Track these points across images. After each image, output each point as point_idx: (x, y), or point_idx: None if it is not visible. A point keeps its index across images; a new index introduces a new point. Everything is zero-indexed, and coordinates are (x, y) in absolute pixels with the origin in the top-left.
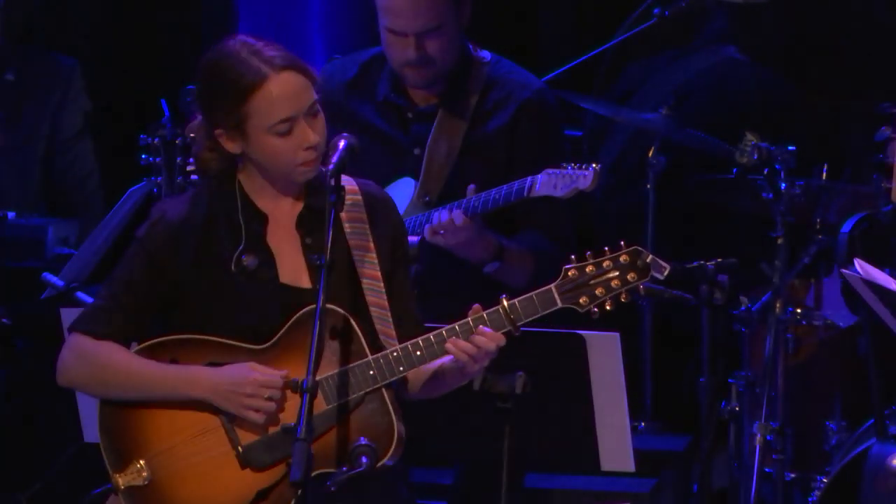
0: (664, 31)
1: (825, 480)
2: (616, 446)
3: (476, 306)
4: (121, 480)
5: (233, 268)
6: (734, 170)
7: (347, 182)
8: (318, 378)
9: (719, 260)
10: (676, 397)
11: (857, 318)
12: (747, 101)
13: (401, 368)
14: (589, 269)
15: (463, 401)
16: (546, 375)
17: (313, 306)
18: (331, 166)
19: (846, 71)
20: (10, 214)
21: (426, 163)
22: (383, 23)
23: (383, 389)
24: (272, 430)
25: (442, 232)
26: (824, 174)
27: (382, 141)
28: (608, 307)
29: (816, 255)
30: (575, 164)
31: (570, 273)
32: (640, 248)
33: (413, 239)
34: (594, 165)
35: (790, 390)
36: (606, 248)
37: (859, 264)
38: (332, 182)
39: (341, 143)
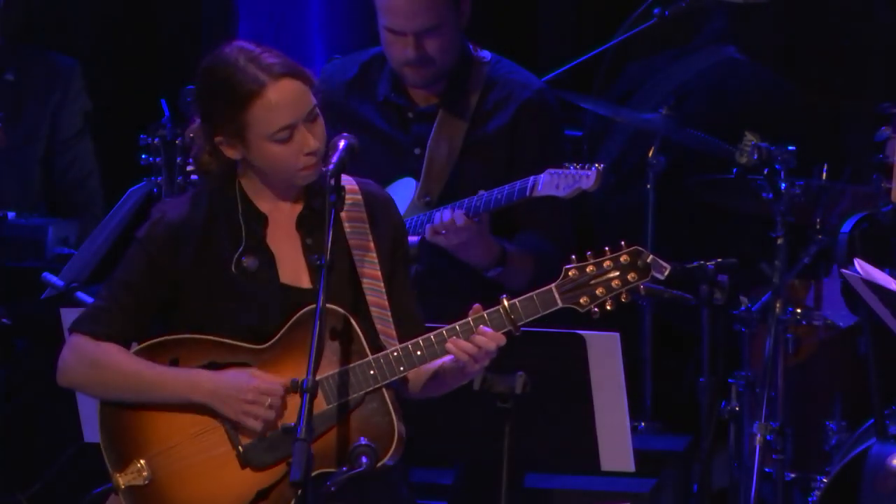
0: (664, 31)
1: (825, 480)
2: (616, 446)
3: (476, 306)
4: (121, 480)
5: (233, 269)
6: (734, 170)
7: (348, 182)
8: (318, 378)
9: (719, 260)
10: (676, 397)
11: (857, 318)
12: (747, 101)
13: (401, 368)
14: (589, 269)
15: (463, 401)
16: (546, 375)
17: (313, 306)
18: (331, 166)
19: (846, 71)
20: (10, 214)
21: (427, 163)
22: (382, 22)
23: (384, 389)
24: (272, 430)
25: (444, 232)
26: (824, 174)
27: (383, 141)
28: (609, 307)
29: (816, 255)
30: (577, 164)
31: (570, 273)
32: (640, 249)
33: (413, 239)
34: (597, 165)
35: (790, 390)
36: (607, 248)
37: (859, 264)
38: (332, 182)
39: (341, 144)
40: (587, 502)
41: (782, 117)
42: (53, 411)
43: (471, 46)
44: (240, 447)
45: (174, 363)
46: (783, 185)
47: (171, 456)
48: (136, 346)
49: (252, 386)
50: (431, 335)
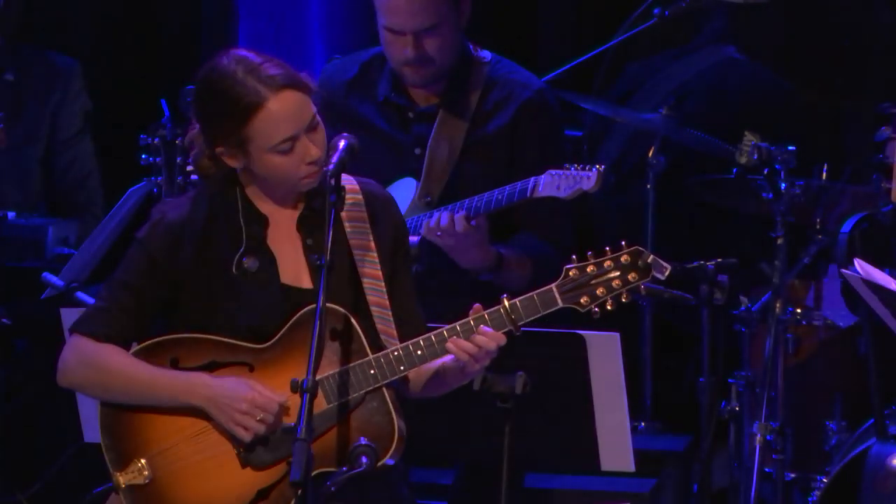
0: (664, 31)
1: (825, 480)
2: (616, 446)
3: (477, 306)
4: (122, 479)
5: (234, 270)
6: (734, 170)
7: (348, 181)
8: (318, 377)
9: (719, 260)
10: (676, 397)
11: (857, 318)
12: (747, 101)
13: (401, 368)
14: (590, 268)
15: (463, 401)
16: (546, 375)
17: (313, 306)
18: (331, 166)
19: (846, 71)
20: (10, 214)
21: (427, 163)
22: (382, 22)
23: (384, 389)
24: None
25: (439, 233)
26: (824, 174)
27: (383, 141)
28: (609, 307)
29: (816, 255)
30: (578, 165)
31: (571, 273)
32: (641, 249)
33: (413, 239)
34: (598, 166)
35: (790, 390)
36: (608, 248)
37: (859, 264)
38: (332, 182)
39: (341, 143)
40: (587, 502)
41: (782, 117)
42: (53, 411)
43: (471, 46)
44: (240, 447)
45: (174, 363)
46: (783, 185)
47: (171, 455)
48: (136, 346)
49: (248, 397)
50: (432, 335)
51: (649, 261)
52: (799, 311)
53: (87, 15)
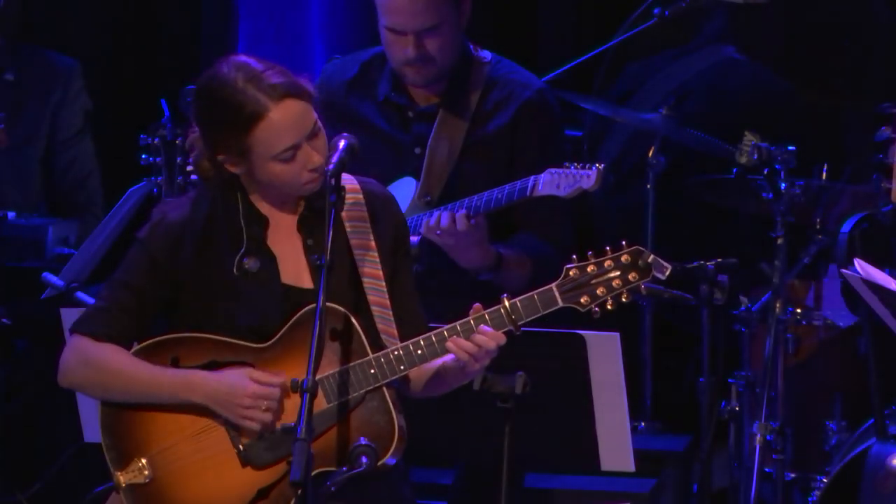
0: (664, 31)
1: (825, 480)
2: (616, 446)
3: (477, 305)
4: (122, 478)
5: (234, 271)
6: (734, 170)
7: (349, 181)
8: (318, 377)
9: (719, 260)
10: (676, 397)
11: (857, 318)
12: (747, 101)
13: (402, 367)
14: (590, 268)
15: (463, 401)
16: (546, 375)
17: (314, 305)
18: (331, 166)
19: (846, 71)
20: (10, 214)
21: (427, 162)
22: (383, 21)
23: (384, 388)
24: (272, 429)
25: (438, 232)
26: (824, 174)
27: (383, 140)
28: (609, 307)
29: (816, 255)
30: (578, 164)
31: (571, 272)
32: (641, 248)
33: (413, 239)
34: (598, 165)
35: (790, 390)
36: (608, 248)
37: (859, 264)
38: (332, 182)
39: (341, 143)
40: (587, 502)
41: (782, 117)
42: (53, 411)
43: (471, 46)
44: (240, 446)
45: (174, 362)
46: (783, 185)
47: (171, 454)
48: (136, 346)
49: (249, 391)
50: (432, 334)
51: (650, 260)
52: (799, 311)
53: (87, 15)
